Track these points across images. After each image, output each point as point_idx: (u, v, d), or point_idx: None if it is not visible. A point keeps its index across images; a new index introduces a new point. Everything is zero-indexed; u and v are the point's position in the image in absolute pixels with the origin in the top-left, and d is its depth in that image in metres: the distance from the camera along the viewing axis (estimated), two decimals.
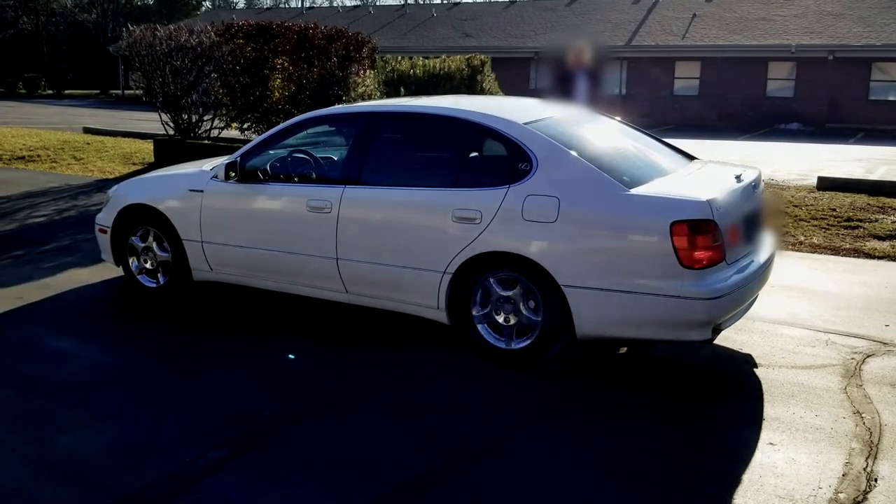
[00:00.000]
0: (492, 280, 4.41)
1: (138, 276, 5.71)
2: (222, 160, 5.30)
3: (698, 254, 3.99)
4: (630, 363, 4.50)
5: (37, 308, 5.46)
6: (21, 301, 5.57)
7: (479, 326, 4.49)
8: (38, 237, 7.44)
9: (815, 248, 7.32)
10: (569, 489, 3.16)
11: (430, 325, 4.69)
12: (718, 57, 27.92)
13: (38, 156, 12.15)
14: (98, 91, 42.92)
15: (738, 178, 4.52)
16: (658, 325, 4.09)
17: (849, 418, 3.80)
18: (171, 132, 11.46)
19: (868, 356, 4.57)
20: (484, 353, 4.45)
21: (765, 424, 3.73)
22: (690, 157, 5.19)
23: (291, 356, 4.55)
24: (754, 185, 4.62)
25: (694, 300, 3.96)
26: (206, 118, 11.48)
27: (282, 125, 5.28)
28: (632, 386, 4.16)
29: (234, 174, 5.12)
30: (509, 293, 4.38)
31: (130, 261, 5.73)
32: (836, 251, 7.22)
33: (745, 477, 3.24)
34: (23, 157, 12.09)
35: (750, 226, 4.48)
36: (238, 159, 5.17)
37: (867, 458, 3.41)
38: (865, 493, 3.14)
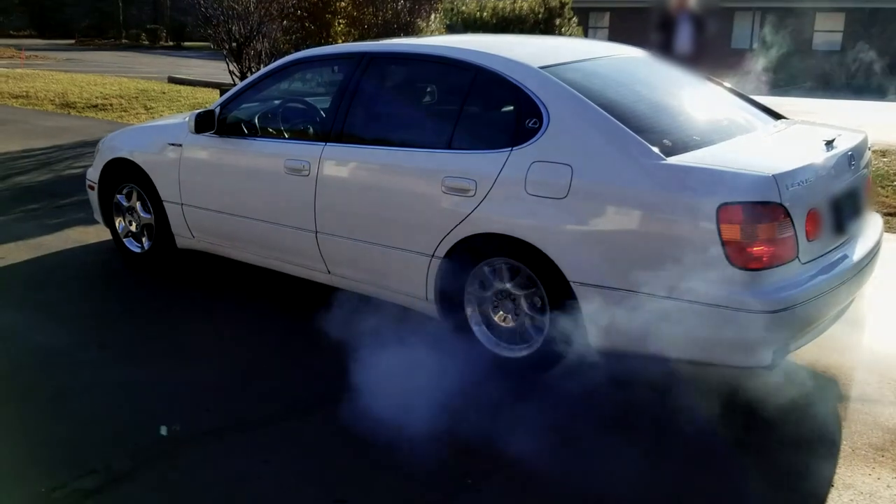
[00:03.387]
0: (488, 269, 3.47)
1: (124, 239, 5.08)
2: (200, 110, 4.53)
3: (756, 249, 2.89)
4: (642, 380, 3.36)
5: (11, 271, 4.92)
6: (1, 262, 5.06)
7: (474, 325, 3.56)
8: (62, 190, 6.98)
9: None
10: None
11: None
12: (866, 7, 25.03)
13: (111, 104, 11.91)
14: None
15: (828, 144, 3.33)
16: (697, 343, 3.01)
17: None
18: (238, 81, 10.89)
19: None
20: (480, 358, 3.51)
21: (832, 495, 2.64)
22: (777, 117, 4.00)
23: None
24: (852, 155, 3.41)
25: (747, 313, 2.88)
26: None
27: (266, 68, 4.44)
28: (635, 421, 3.09)
29: (210, 127, 4.34)
30: (510, 287, 3.42)
31: (117, 221, 5.10)
32: None
33: None
34: (96, 106, 11.89)
35: (843, 210, 3.31)
36: (217, 109, 4.38)
37: None
38: None
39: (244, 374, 3.55)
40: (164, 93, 12.95)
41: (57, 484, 2.67)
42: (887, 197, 6.81)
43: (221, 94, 10.96)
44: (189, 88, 13.95)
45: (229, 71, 11.03)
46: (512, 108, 3.45)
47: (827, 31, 26.36)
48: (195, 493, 2.66)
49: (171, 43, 40.18)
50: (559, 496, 2.63)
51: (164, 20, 42.84)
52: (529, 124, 3.32)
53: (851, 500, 2.62)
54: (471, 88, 3.58)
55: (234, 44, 10.57)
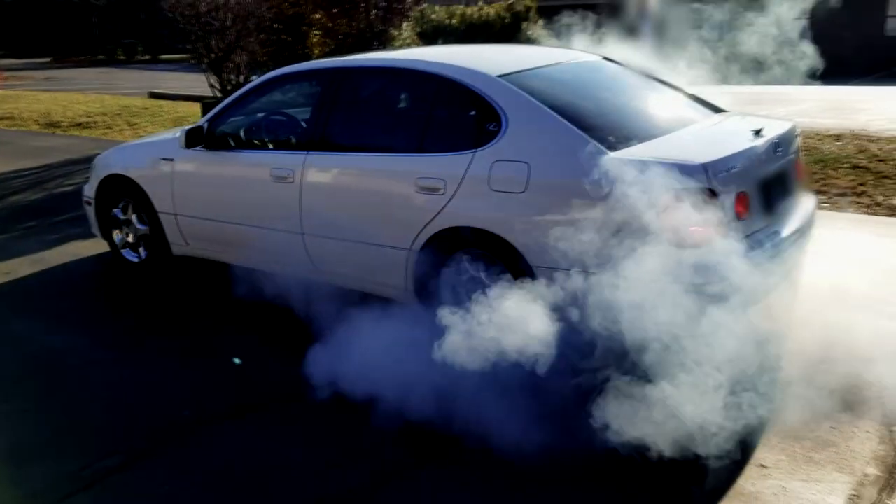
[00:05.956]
0: (462, 260, 3.85)
1: (122, 251, 5.43)
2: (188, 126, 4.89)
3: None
4: None
5: (18, 285, 5.26)
6: (7, 276, 5.40)
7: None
8: (57, 207, 7.31)
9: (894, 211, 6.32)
10: None
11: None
12: None
13: (95, 122, 12.21)
14: None
15: (756, 133, 3.75)
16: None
17: (874, 432, 3.06)
18: (219, 94, 11.23)
19: None
20: None
21: (762, 440, 3.04)
22: (717, 110, 4.41)
23: (237, 360, 4.07)
24: (778, 143, 3.83)
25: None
26: (252, 78, 11.18)
27: (248, 85, 4.81)
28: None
29: (200, 141, 4.71)
30: (481, 275, 3.80)
31: (114, 234, 5.45)
32: None
33: None
34: (80, 124, 12.18)
35: (772, 191, 3.72)
36: (205, 125, 4.75)
37: (882, 490, 2.70)
38: None
39: (241, 369, 3.92)
40: (145, 108, 13.26)
41: (85, 464, 3.03)
42: None
43: (203, 108, 11.34)
44: (170, 103, 14.26)
45: (209, 84, 11.36)
46: (474, 113, 3.84)
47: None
48: (201, 466, 3.03)
49: (147, 57, 40.37)
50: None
51: (140, 34, 42.93)
52: (490, 127, 3.72)
53: (778, 444, 3.02)
54: (436, 97, 3.98)
55: (213, 56, 10.90)
